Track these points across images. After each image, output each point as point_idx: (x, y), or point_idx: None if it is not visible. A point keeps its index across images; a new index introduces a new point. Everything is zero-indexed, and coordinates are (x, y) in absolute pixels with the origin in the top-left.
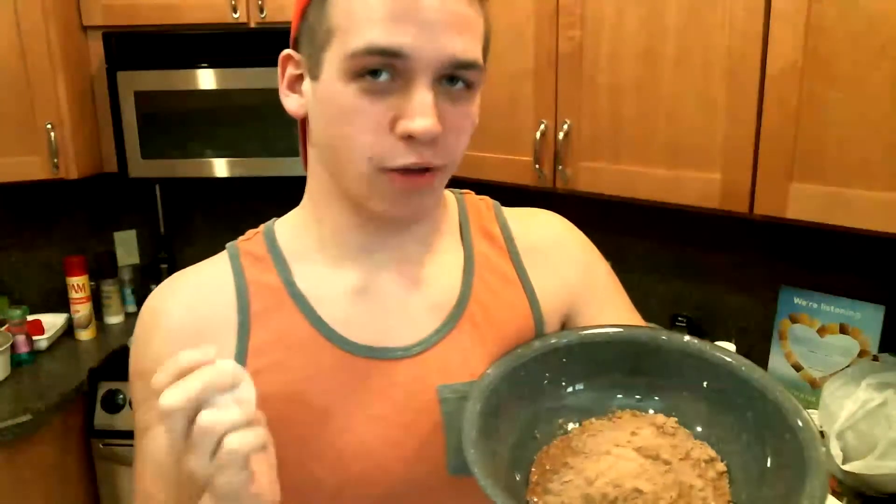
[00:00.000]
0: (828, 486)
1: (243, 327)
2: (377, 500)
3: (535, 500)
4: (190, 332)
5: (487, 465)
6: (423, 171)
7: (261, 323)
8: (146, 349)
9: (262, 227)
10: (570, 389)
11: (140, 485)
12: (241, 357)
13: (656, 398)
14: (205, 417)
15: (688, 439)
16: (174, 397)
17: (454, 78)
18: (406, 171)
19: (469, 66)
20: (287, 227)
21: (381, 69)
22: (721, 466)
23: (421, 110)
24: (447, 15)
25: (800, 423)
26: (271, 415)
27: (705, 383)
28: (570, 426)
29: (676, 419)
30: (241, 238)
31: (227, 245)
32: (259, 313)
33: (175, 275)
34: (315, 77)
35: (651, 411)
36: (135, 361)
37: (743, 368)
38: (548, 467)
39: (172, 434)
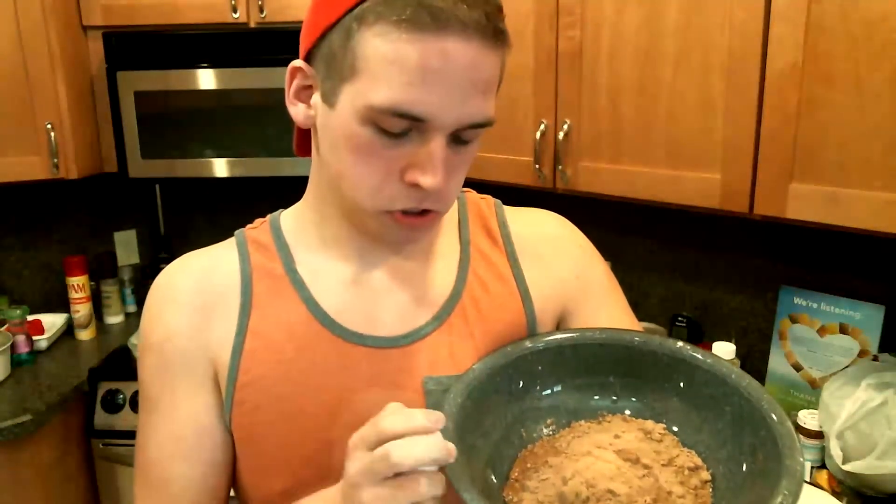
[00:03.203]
0: (799, 493)
1: (244, 308)
2: None
3: (511, 495)
4: (197, 307)
5: (460, 459)
6: (423, 212)
7: (261, 305)
8: (157, 322)
9: (268, 216)
10: (558, 389)
11: (151, 459)
12: (241, 335)
13: (633, 399)
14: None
15: (674, 446)
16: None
17: (466, 131)
18: (406, 212)
19: (483, 125)
20: (291, 220)
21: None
22: (706, 475)
23: (433, 168)
24: (473, 80)
25: (783, 433)
26: (265, 393)
27: (695, 390)
28: (558, 427)
29: (665, 425)
30: (248, 226)
31: (236, 232)
32: (260, 296)
33: (185, 255)
34: (330, 104)
35: (627, 412)
36: (146, 335)
37: (733, 376)
38: (529, 465)
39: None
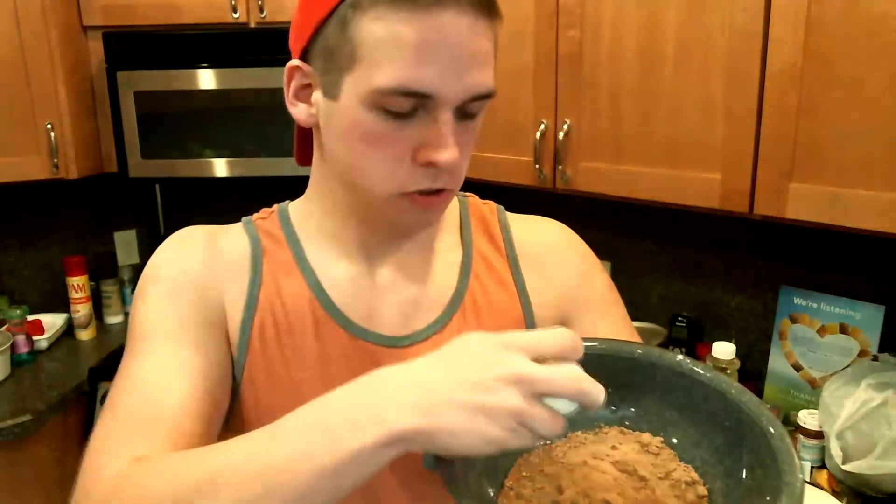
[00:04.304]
0: None
1: (254, 283)
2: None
3: (505, 503)
4: (213, 260)
5: (454, 466)
6: (437, 190)
7: (270, 284)
8: (171, 259)
9: (276, 206)
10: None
11: (138, 382)
12: (251, 309)
13: (631, 410)
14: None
15: (671, 460)
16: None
17: (471, 103)
18: (422, 192)
19: (486, 96)
20: (298, 212)
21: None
22: (702, 490)
23: (445, 142)
24: (472, 52)
25: (782, 449)
26: (271, 374)
27: (694, 404)
28: (554, 436)
29: (662, 439)
30: (255, 215)
31: (243, 219)
32: (269, 276)
33: (195, 226)
34: (332, 96)
35: (625, 424)
36: (156, 268)
37: (733, 391)
38: (524, 474)
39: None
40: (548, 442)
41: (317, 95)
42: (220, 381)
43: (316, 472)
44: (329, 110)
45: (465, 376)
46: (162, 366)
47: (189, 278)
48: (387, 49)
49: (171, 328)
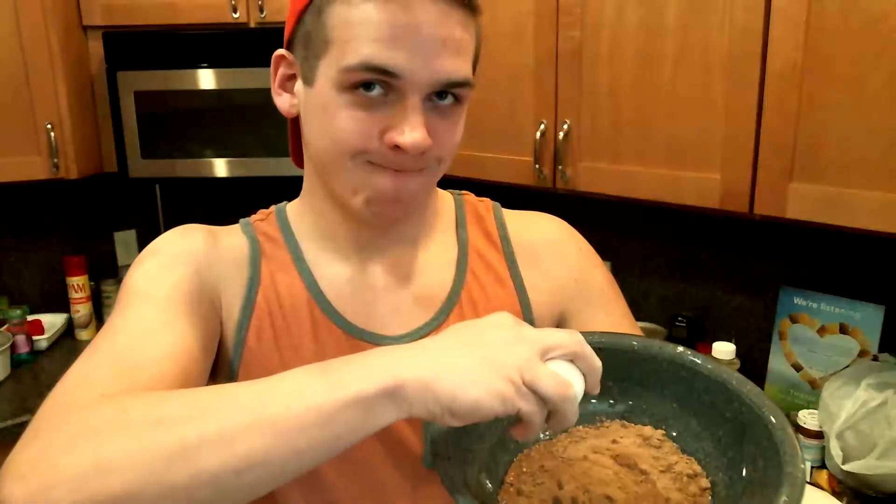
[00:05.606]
0: (800, 501)
1: (252, 283)
2: (357, 484)
3: (506, 500)
4: (213, 253)
5: (455, 463)
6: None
7: (268, 282)
8: (174, 240)
9: (273, 207)
10: None
11: (123, 332)
12: (248, 308)
13: (631, 404)
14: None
15: (673, 453)
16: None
17: (444, 93)
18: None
19: (460, 84)
20: (294, 212)
21: (373, 83)
22: (705, 482)
23: (411, 125)
24: (442, 39)
25: (784, 440)
26: (266, 368)
27: (695, 396)
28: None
29: (664, 431)
30: (253, 217)
31: (241, 220)
32: (268, 273)
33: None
34: (309, 83)
35: (626, 417)
36: (155, 247)
37: (733, 382)
38: (525, 469)
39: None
40: (548, 437)
41: (298, 86)
42: (202, 355)
43: (309, 411)
44: (307, 98)
45: (473, 336)
46: (149, 323)
47: (189, 256)
48: (356, 29)
49: (162, 294)
